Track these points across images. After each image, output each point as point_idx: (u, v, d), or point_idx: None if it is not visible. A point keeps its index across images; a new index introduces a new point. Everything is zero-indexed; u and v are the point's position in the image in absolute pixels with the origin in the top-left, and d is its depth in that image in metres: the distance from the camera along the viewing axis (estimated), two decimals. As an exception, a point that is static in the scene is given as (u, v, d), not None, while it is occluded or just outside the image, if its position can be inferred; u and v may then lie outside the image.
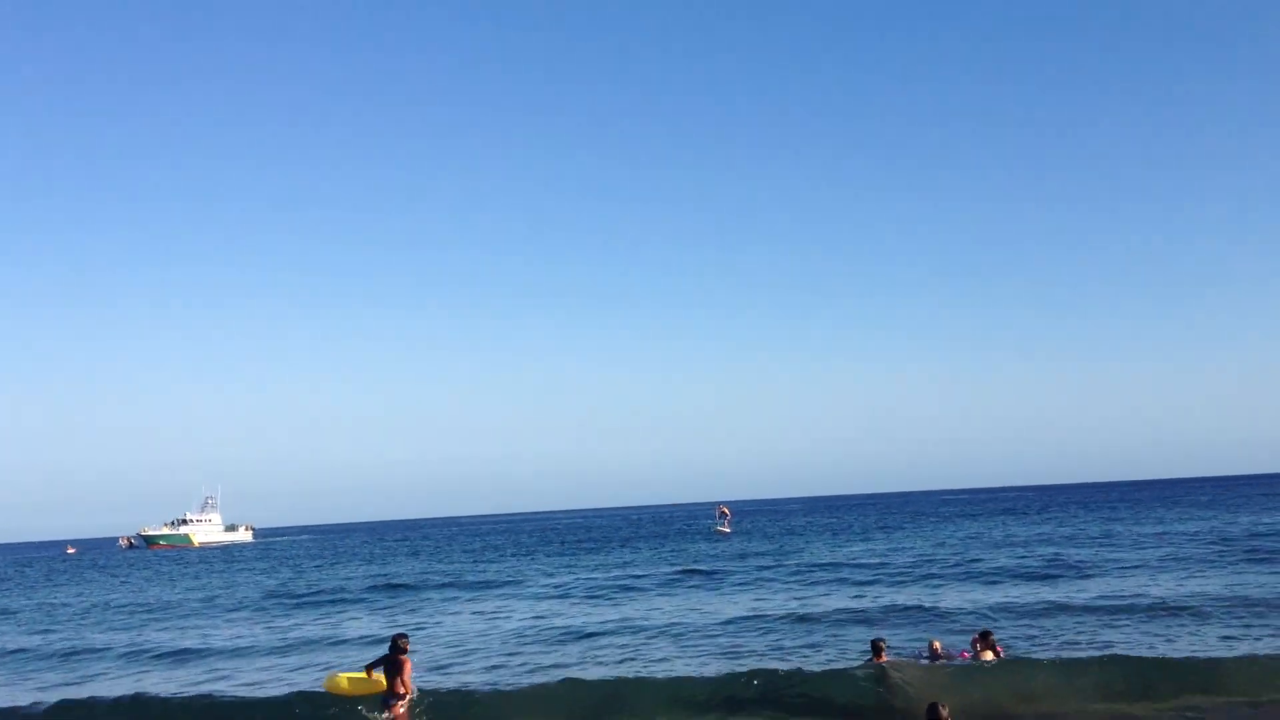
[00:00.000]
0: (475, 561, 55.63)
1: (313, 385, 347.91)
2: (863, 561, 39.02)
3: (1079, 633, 19.36)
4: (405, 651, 13.99)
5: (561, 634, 22.96)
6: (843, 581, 31.74)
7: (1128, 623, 20.22)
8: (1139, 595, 24.07)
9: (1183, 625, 19.66)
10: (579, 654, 20.10)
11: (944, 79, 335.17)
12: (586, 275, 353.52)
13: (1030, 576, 30.00)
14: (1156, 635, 18.67)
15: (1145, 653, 16.42)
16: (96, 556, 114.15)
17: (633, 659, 19.19)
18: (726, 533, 73.28)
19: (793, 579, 33.40)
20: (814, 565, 38.64)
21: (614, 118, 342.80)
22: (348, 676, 14.78)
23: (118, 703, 15.96)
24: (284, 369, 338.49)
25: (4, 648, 26.36)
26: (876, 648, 15.48)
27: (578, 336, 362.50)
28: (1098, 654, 15.66)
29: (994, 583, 29.07)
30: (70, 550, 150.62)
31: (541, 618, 26.25)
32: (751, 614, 24.41)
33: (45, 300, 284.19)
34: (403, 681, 13.86)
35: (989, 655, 16.74)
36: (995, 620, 20.89)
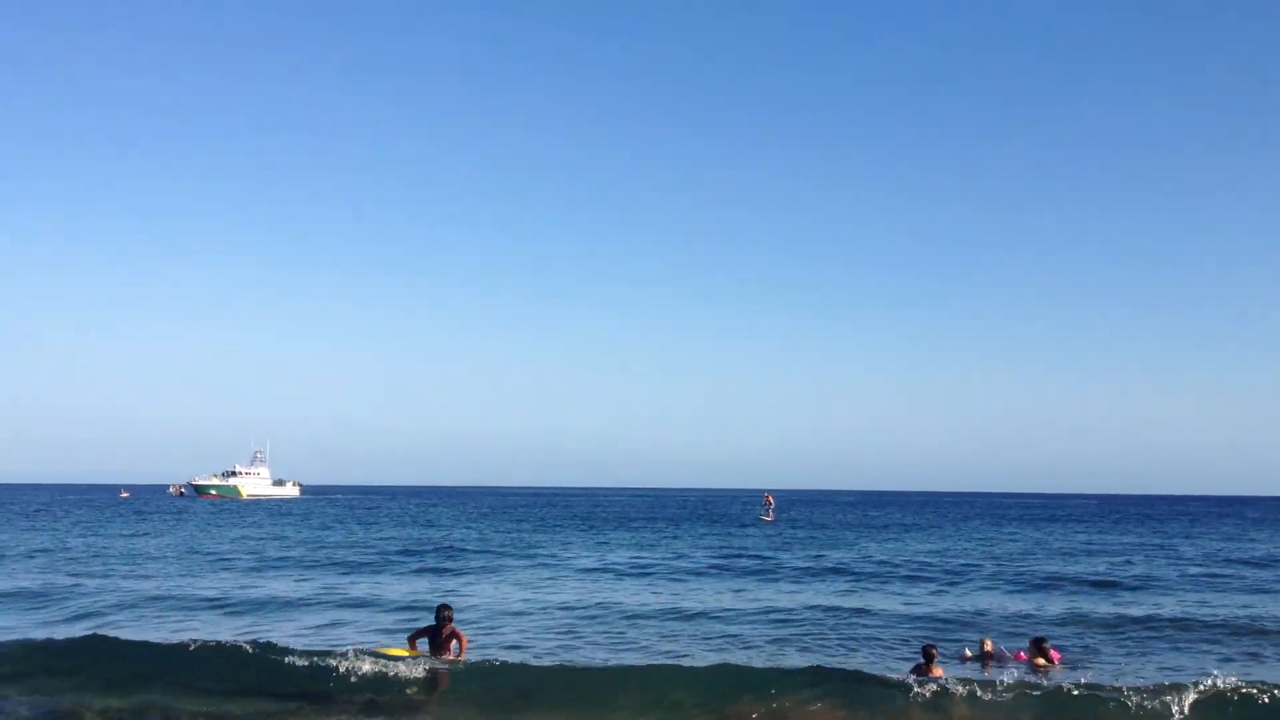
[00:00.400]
0: (519, 531, 55.86)
1: (367, 352, 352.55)
2: (912, 559, 38.30)
3: (1140, 647, 18.66)
4: (450, 621, 14.16)
5: (603, 610, 22.71)
6: (890, 578, 31.09)
7: (1192, 642, 19.39)
8: (1201, 613, 23.12)
9: (1248, 648, 18.78)
10: (620, 632, 19.83)
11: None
12: (637, 263, 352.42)
13: (1089, 587, 29.03)
14: (1223, 656, 17.83)
15: (1226, 678, 14.58)
16: (148, 501, 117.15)
17: (674, 639, 18.92)
18: (770, 520, 73.16)
19: (838, 572, 32.85)
20: (861, 559, 38.03)
21: (673, 117, 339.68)
22: (391, 650, 14.63)
23: (145, 645, 15.79)
24: (339, 336, 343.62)
25: (58, 584, 26.78)
26: (928, 654, 14.78)
27: (631, 322, 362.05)
28: (1174, 678, 14.47)
29: (1049, 589, 28.24)
30: (124, 494, 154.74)
31: (584, 593, 26.05)
32: (794, 605, 23.97)
33: (119, 251, 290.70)
34: (457, 639, 14.16)
35: (1042, 662, 16.18)
36: (1051, 628, 20.18)
